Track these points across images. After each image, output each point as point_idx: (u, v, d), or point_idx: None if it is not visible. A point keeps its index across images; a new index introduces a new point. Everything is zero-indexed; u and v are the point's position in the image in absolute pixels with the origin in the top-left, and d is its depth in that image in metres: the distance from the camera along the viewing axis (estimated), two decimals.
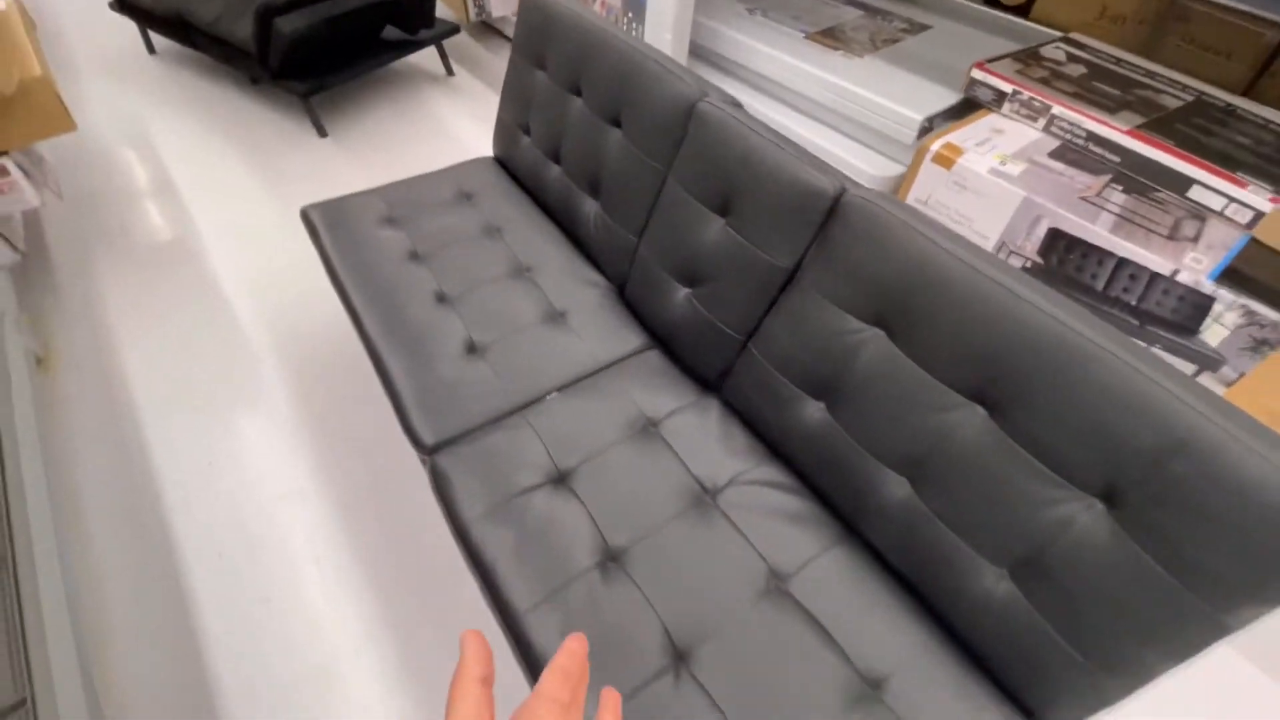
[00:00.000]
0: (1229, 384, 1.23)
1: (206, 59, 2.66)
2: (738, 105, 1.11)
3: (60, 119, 1.55)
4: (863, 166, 1.71)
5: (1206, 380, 1.25)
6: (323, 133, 2.35)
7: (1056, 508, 0.73)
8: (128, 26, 2.72)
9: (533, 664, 0.82)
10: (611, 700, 0.36)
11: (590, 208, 1.36)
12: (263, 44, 2.05)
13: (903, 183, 1.59)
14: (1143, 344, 0.75)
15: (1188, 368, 1.27)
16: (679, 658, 0.82)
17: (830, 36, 1.95)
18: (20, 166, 1.52)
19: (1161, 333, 1.27)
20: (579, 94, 1.33)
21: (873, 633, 0.84)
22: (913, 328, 0.84)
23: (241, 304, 1.75)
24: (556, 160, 1.44)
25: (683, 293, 1.16)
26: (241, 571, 1.25)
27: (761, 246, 1.01)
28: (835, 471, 0.95)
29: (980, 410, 0.79)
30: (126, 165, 2.21)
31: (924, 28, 2.02)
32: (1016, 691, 0.80)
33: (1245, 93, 1.66)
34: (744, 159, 1.01)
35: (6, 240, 1.61)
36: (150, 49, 2.77)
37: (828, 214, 0.93)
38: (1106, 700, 0.73)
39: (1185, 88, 1.57)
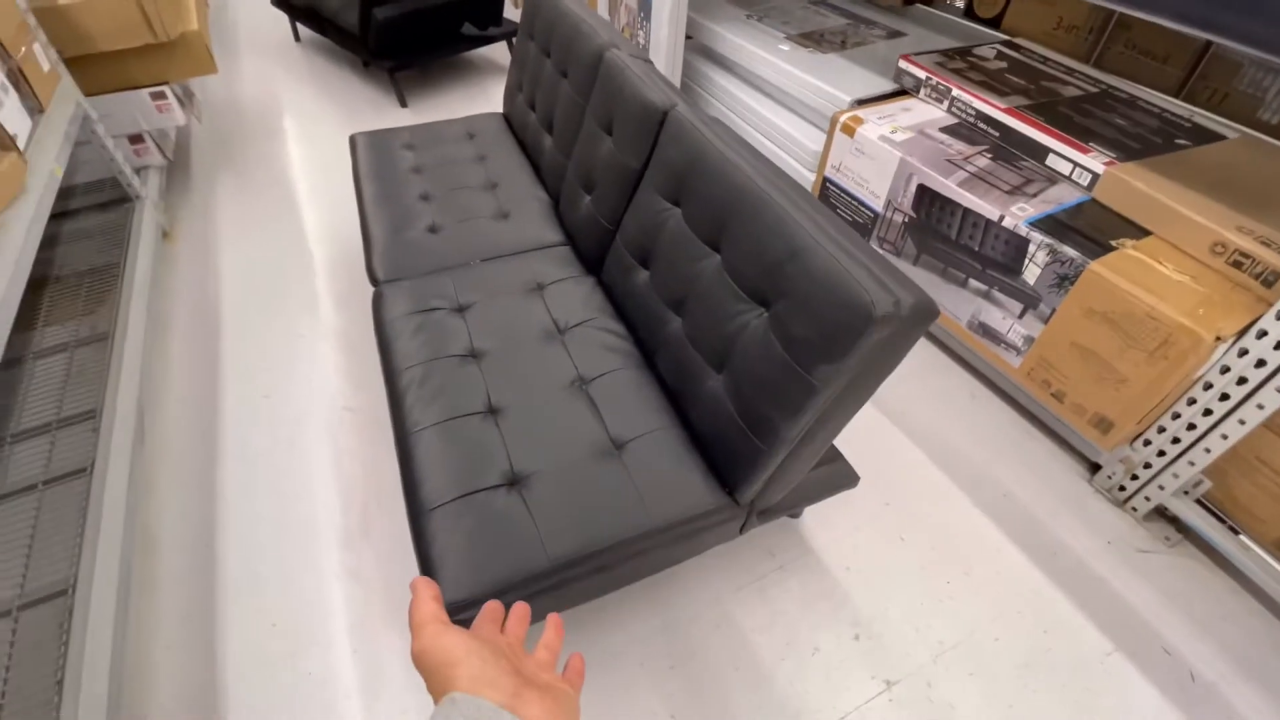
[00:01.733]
0: (1045, 319, 1.39)
1: (335, 47, 3.36)
2: (641, 58, 1.46)
3: (207, 63, 2.16)
4: (805, 141, 1.98)
5: (1030, 318, 1.42)
6: (404, 103, 2.93)
7: (742, 317, 1.00)
8: (283, 19, 3.49)
9: (395, 403, 1.19)
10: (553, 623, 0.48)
11: (547, 142, 1.74)
12: (364, 27, 2.64)
13: (822, 151, 1.85)
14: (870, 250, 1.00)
15: (1016, 306, 1.44)
16: (492, 410, 1.16)
17: (809, 38, 2.24)
18: (175, 95, 2.14)
19: (996, 275, 1.45)
20: (549, 55, 1.73)
21: (630, 417, 1.14)
22: (690, 202, 1.15)
23: (312, 225, 2.28)
24: (533, 109, 1.84)
25: (586, 199, 1.51)
26: (276, 411, 1.72)
27: (625, 153, 1.34)
28: (645, 318, 1.26)
29: (716, 256, 1.08)
30: (257, 114, 2.89)
31: (900, 34, 2.26)
32: (718, 465, 1.07)
33: (1179, 94, 1.78)
34: (620, 88, 1.36)
35: (160, 148, 2.24)
36: (296, 38, 3.53)
37: (660, 124, 1.26)
38: (759, 462, 0.98)
39: (1099, 84, 1.72)
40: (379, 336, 1.33)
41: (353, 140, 1.94)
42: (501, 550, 0.97)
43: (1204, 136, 1.50)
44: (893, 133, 1.64)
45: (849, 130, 1.71)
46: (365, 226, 1.62)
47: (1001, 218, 1.39)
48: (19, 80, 1.58)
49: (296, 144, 2.69)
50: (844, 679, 1.18)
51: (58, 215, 2.02)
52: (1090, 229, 1.34)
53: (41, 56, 1.70)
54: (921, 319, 0.83)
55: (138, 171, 2.16)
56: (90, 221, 2.02)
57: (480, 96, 3.05)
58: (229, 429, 1.60)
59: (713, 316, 1.07)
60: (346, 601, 1.28)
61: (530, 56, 1.85)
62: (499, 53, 3.33)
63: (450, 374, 1.21)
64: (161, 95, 2.11)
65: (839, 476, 1.25)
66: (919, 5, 2.42)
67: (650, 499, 1.02)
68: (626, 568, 1.04)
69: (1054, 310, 1.36)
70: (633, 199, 1.35)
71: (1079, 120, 1.54)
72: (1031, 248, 1.35)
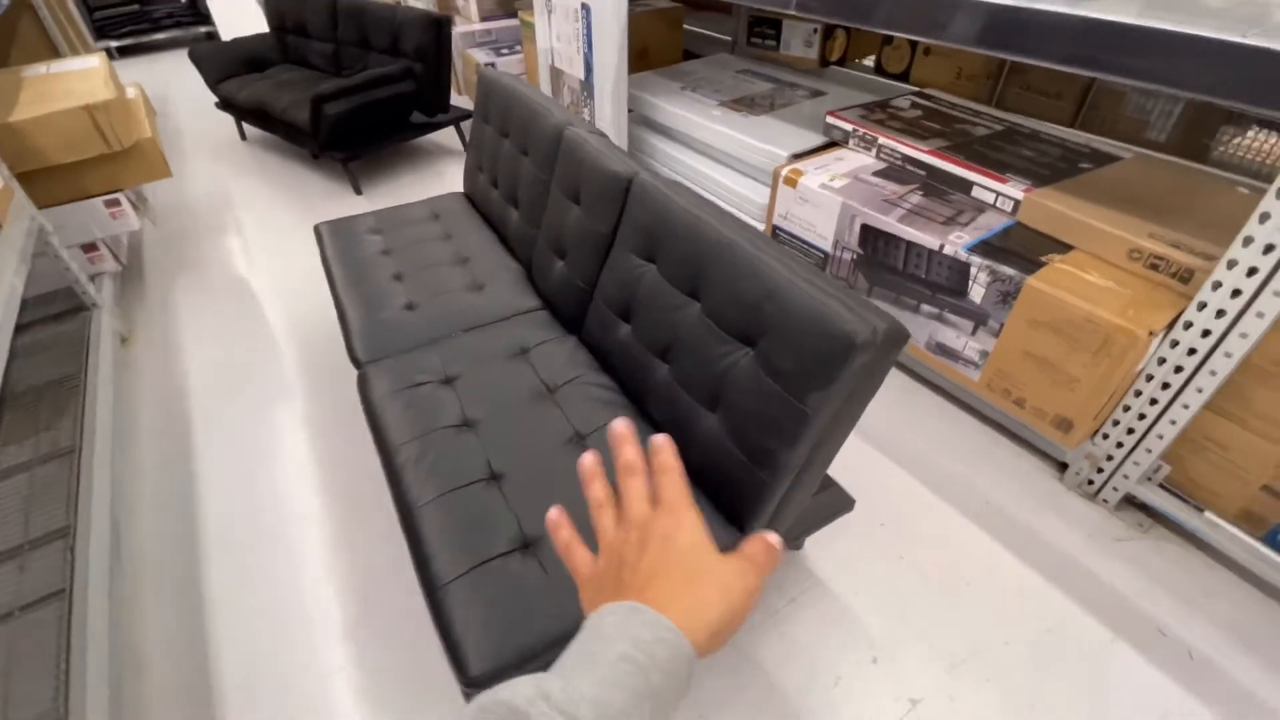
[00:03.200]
0: (996, 334, 1.50)
1: (282, 143, 3.44)
2: (597, 131, 1.57)
3: (161, 168, 2.18)
4: (750, 195, 2.12)
5: (983, 334, 1.54)
6: (358, 191, 3.00)
7: (729, 357, 1.06)
8: (227, 120, 3.55)
9: (394, 480, 1.18)
10: (663, 449, 0.42)
11: (513, 215, 1.82)
12: (315, 123, 2.72)
13: (768, 203, 1.99)
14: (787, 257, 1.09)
15: (967, 325, 1.55)
16: (494, 476, 1.17)
17: (739, 103, 2.43)
18: (130, 200, 2.15)
19: (945, 298, 1.57)
20: (507, 136, 1.84)
21: None
22: (664, 257, 1.22)
23: (272, 310, 2.28)
24: (495, 186, 1.93)
25: (559, 264, 1.58)
26: (257, 507, 1.67)
27: (594, 220, 1.42)
28: (632, 369, 1.31)
29: (696, 304, 1.15)
30: (210, 213, 2.89)
31: (822, 94, 2.48)
32: (724, 501, 1.10)
33: (1073, 124, 2.01)
34: (581, 162, 1.45)
35: (114, 254, 2.22)
36: (243, 136, 3.59)
37: (626, 191, 1.35)
38: (764, 493, 1.02)
39: (1003, 122, 1.93)
40: (369, 417, 1.33)
41: (317, 230, 1.97)
42: (524, 617, 0.96)
43: (1103, 159, 1.69)
44: (831, 180, 1.79)
45: (791, 182, 1.85)
46: (341, 311, 1.63)
47: (942, 246, 1.53)
48: None
49: (253, 239, 2.70)
50: (870, 704, 1.19)
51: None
52: (1020, 249, 1.48)
53: None
54: (895, 342, 0.91)
55: (92, 279, 2.13)
56: (45, 334, 1.96)
57: (433, 179, 3.15)
58: (210, 532, 1.54)
59: (699, 359, 1.12)
60: (355, 695, 1.22)
61: (487, 138, 1.95)
62: (447, 137, 3.46)
63: (446, 445, 1.22)
64: (115, 202, 2.11)
65: (836, 502, 1.29)
66: (834, 67, 2.67)
67: None
68: None
69: (1002, 324, 1.48)
70: (607, 260, 1.42)
71: (992, 155, 1.72)
72: (973, 270, 1.48)
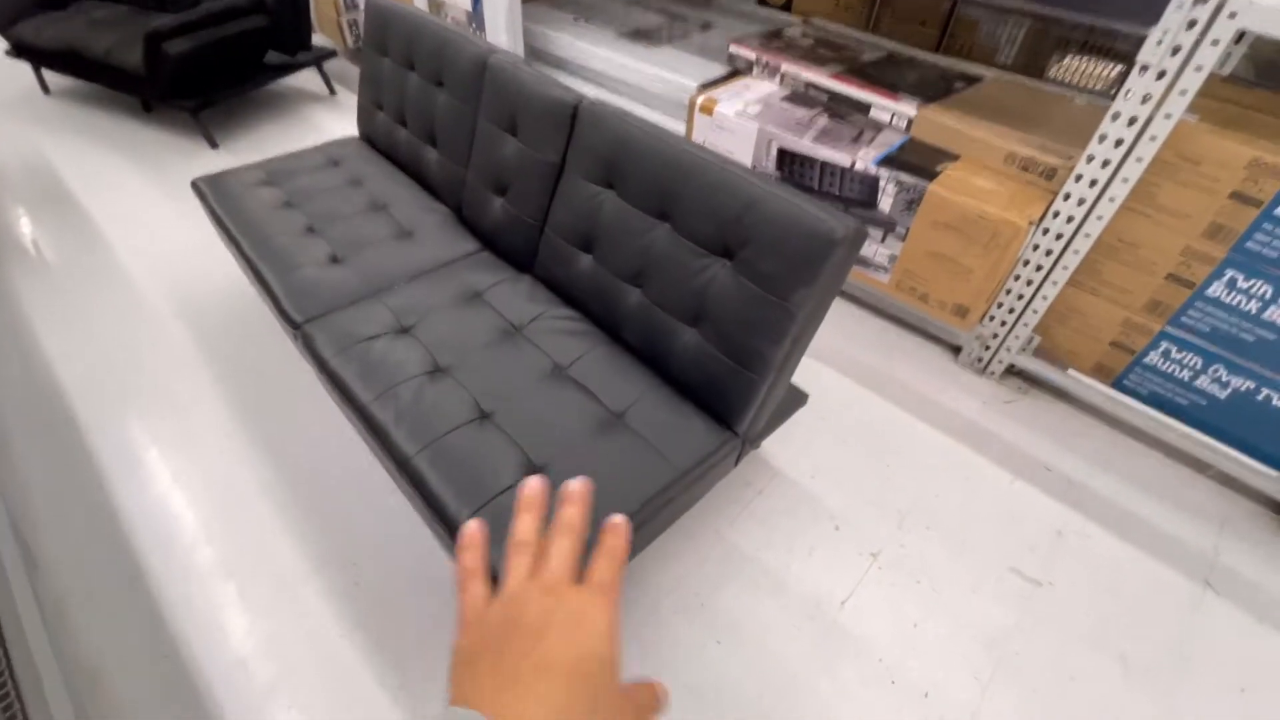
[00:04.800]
0: (902, 239, 1.70)
1: (103, 93, 2.91)
2: (517, 58, 1.52)
3: None
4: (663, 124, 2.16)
5: (891, 240, 1.73)
6: (214, 144, 2.64)
7: (706, 271, 1.13)
8: (21, 71, 2.93)
9: (377, 434, 1.14)
10: (613, 531, 0.38)
11: (431, 155, 1.73)
12: (152, 67, 2.33)
13: (685, 133, 2.05)
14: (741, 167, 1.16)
15: (878, 233, 1.74)
16: (484, 415, 1.16)
17: (637, 35, 2.43)
18: None
19: (857, 211, 1.75)
20: (413, 69, 1.71)
21: (618, 387, 1.22)
22: (624, 181, 1.25)
23: (146, 286, 1.99)
24: (404, 124, 1.80)
25: (498, 201, 1.54)
26: (196, 489, 1.50)
27: (539, 150, 1.40)
28: (599, 298, 1.34)
29: (665, 225, 1.19)
30: (29, 183, 2.42)
31: (712, 26, 2.54)
32: (710, 404, 1.19)
33: (936, 49, 2.23)
34: (519, 91, 1.41)
35: None
36: (45, 89, 2.98)
37: (573, 118, 1.34)
38: (753, 392, 1.12)
39: (883, 48, 2.11)
40: (327, 378, 1.26)
41: (196, 186, 1.74)
42: None
43: (970, 80, 1.92)
44: (745, 108, 1.87)
45: (707, 110, 1.91)
46: (256, 271, 1.49)
47: (854, 163, 1.68)
48: None
49: (95, 207, 2.31)
50: (840, 563, 1.37)
51: None
52: (918, 160, 1.67)
53: None
54: (860, 238, 1.02)
55: None
56: None
57: (301, 127, 2.84)
58: (140, 528, 1.39)
59: (675, 278, 1.18)
60: (357, 651, 1.20)
61: (386, 73, 1.81)
62: (308, 80, 3.11)
63: (424, 393, 1.19)
64: None
65: (793, 399, 1.43)
66: None
67: (667, 450, 1.12)
68: (658, 521, 1.12)
69: (908, 229, 1.67)
70: (556, 191, 1.41)
71: (883, 78, 1.89)
72: (882, 182, 1.65)
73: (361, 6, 3.06)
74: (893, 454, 1.60)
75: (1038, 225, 1.52)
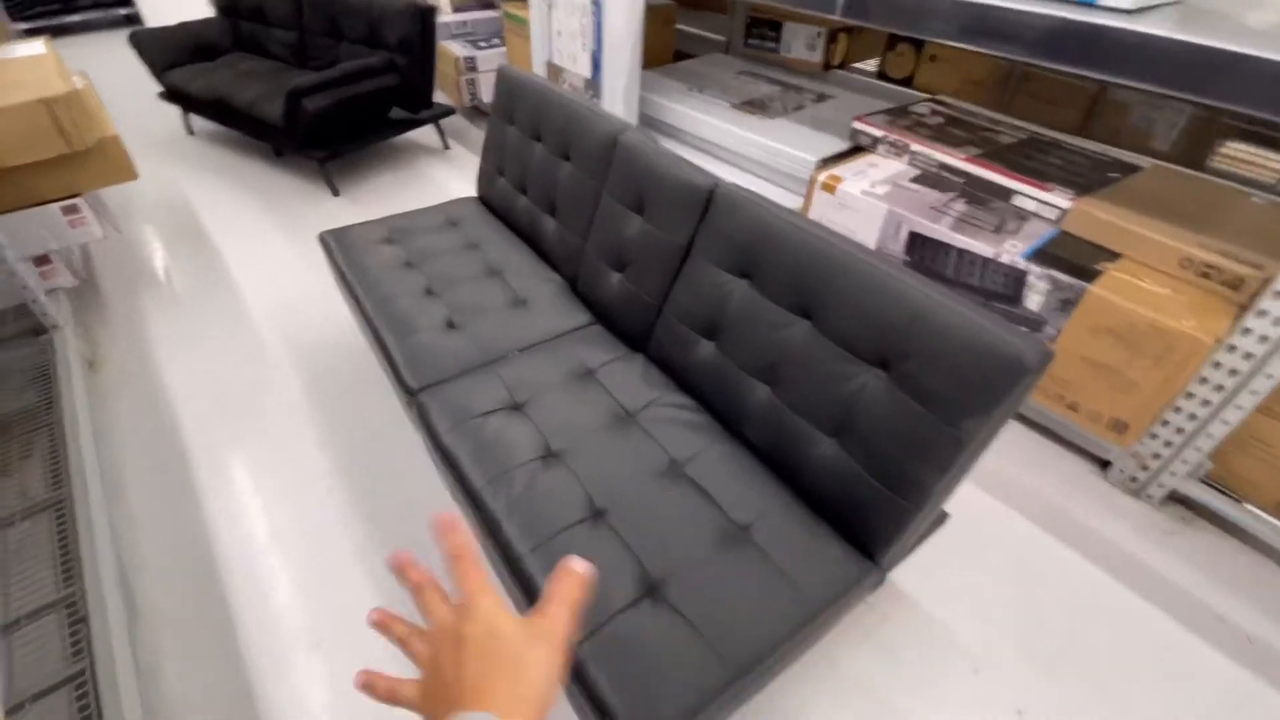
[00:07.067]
0: (1052, 339, 1.54)
1: (238, 138, 3.15)
2: (649, 134, 1.49)
3: (126, 169, 1.93)
4: (778, 199, 2.09)
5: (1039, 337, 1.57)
6: (335, 192, 2.77)
7: (854, 379, 1.03)
8: (170, 112, 3.22)
9: (489, 525, 1.08)
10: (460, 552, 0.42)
11: (549, 224, 1.72)
12: (291, 119, 2.49)
13: (802, 209, 1.97)
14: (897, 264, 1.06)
15: (1022, 330, 1.58)
16: (597, 513, 1.08)
17: (752, 105, 2.40)
18: (91, 207, 1.89)
19: (998, 305, 1.60)
20: (539, 140, 1.73)
21: (741, 494, 1.11)
22: (759, 273, 1.17)
23: (264, 324, 2.07)
24: (524, 192, 1.81)
25: (616, 277, 1.50)
26: (290, 542, 1.50)
27: (666, 231, 1.35)
28: (721, 390, 1.25)
29: (805, 322, 1.10)
30: (168, 217, 2.61)
31: (829, 97, 2.48)
32: (848, 527, 1.06)
33: (1078, 133, 2.09)
34: (650, 171, 1.38)
35: (70, 267, 1.95)
36: (189, 130, 3.26)
37: (706, 202, 1.28)
38: (904, 519, 0.99)
39: (1023, 130, 1.98)
40: (440, 454, 1.22)
41: (324, 240, 1.80)
42: (673, 671, 0.89)
43: (1126, 169, 1.76)
44: (873, 187, 1.78)
45: (829, 188, 1.83)
46: (375, 333, 1.49)
47: (998, 254, 1.55)
48: None
49: (224, 245, 2.45)
50: (980, 718, 1.19)
51: None
52: (1073, 257, 1.52)
53: None
54: (1048, 361, 0.89)
55: (47, 294, 1.87)
56: None
57: (416, 180, 2.96)
58: (236, 577, 1.37)
59: (814, 381, 1.08)
60: None
61: (511, 141, 1.83)
62: (424, 135, 3.26)
63: (536, 482, 1.12)
64: (74, 209, 1.86)
65: (936, 518, 1.29)
66: (835, 70, 2.68)
67: (800, 578, 1.00)
68: (789, 656, 1.00)
69: (1059, 331, 1.51)
70: (680, 273, 1.35)
71: (1026, 163, 1.76)
72: (1031, 278, 1.51)
73: (479, 69, 3.21)
74: (1036, 583, 1.41)
75: (1223, 342, 1.33)
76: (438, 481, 1.36)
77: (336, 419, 1.75)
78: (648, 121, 2.56)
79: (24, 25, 4.43)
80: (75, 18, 4.64)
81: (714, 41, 3.11)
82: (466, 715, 0.34)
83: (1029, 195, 1.65)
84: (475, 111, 3.52)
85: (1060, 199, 1.60)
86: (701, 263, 1.29)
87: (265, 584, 1.37)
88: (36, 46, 1.92)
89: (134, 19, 4.80)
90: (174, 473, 1.60)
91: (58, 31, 4.61)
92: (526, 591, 0.99)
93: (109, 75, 3.61)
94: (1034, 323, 1.55)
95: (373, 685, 0.40)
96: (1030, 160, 1.78)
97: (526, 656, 0.38)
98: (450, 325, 1.51)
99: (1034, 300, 1.53)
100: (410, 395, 1.34)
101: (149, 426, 1.72)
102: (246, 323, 2.08)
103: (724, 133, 2.26)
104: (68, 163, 1.78)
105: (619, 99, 2.34)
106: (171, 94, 2.99)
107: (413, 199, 2.80)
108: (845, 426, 1.04)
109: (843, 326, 1.04)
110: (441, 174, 3.00)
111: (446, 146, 3.20)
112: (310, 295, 2.17)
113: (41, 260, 1.88)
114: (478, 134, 3.38)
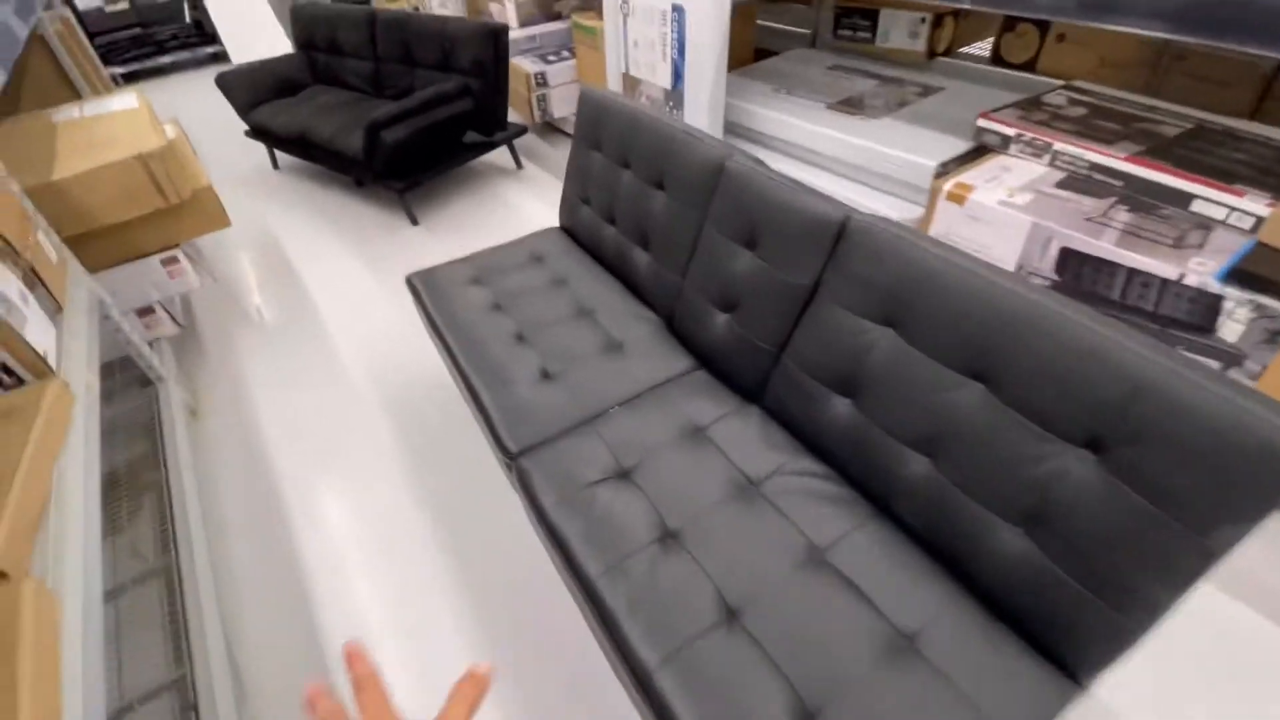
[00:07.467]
0: (1254, 377, 1.27)
1: (321, 170, 3.19)
2: (759, 162, 1.33)
3: (220, 218, 1.95)
4: (887, 211, 1.88)
5: (1234, 375, 1.31)
6: (414, 221, 2.75)
7: (1051, 461, 0.84)
8: (257, 148, 3.30)
9: (608, 624, 0.96)
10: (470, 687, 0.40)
11: (641, 257, 1.59)
12: (370, 152, 2.47)
13: (923, 221, 1.75)
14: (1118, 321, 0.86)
15: (1213, 365, 1.32)
16: (731, 614, 0.94)
17: (850, 105, 2.18)
18: (187, 255, 1.91)
19: (1181, 334, 1.34)
20: (628, 166, 1.60)
21: (904, 592, 0.94)
22: (914, 322, 0.99)
23: (352, 363, 2.05)
24: (612, 222, 1.69)
25: (722, 318, 1.35)
26: (350, 574, 1.45)
27: (784, 270, 1.19)
28: (864, 457, 1.08)
29: (979, 386, 0.92)
30: (258, 256, 2.66)
31: (936, 90, 2.23)
32: (1042, 639, 0.87)
33: (1251, 116, 1.76)
34: (764, 200, 1.22)
35: (171, 316, 1.98)
36: (275, 165, 3.34)
37: (836, 237, 1.11)
38: (1125, 639, 0.80)
39: (1185, 117, 1.69)
40: (546, 530, 1.11)
41: (411, 284, 1.74)
42: None
43: None
44: (1010, 196, 1.55)
45: (958, 198, 1.61)
46: (469, 383, 1.40)
47: (1182, 275, 1.29)
48: (34, 282, 1.33)
49: (309, 280, 2.47)
50: None
51: None
52: (1274, 276, 1.25)
53: (48, 246, 1.47)
54: None
55: (150, 344, 1.90)
56: (103, 416, 1.73)
57: (494, 203, 2.90)
58: (336, 645, 1.32)
59: (995, 458, 0.89)
60: None
61: (596, 167, 1.71)
62: (497, 156, 3.21)
63: (658, 572, 0.99)
64: (173, 260, 1.88)
65: None
66: (940, 58, 2.42)
67: (988, 706, 0.82)
68: None
69: (1264, 368, 1.25)
70: (801, 316, 1.19)
71: (1200, 159, 1.48)
72: (1228, 304, 1.25)
73: (550, 84, 3.12)
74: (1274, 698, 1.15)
75: None
76: (536, 544, 1.26)
77: (428, 467, 1.69)
78: (732, 129, 2.39)
79: (119, 69, 4.71)
80: (166, 59, 4.90)
81: (798, 35, 2.89)
82: None
83: (1215, 200, 1.38)
84: (548, 127, 3.44)
85: (1256, 204, 1.32)
86: (831, 307, 1.12)
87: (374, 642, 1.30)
88: (129, 100, 1.96)
89: (220, 57, 5.03)
90: (271, 526, 1.57)
91: (150, 74, 4.88)
92: (654, 708, 0.86)
93: (199, 116, 3.77)
94: (1229, 356, 1.29)
95: (315, 705, 0.38)
96: (1205, 155, 1.50)
97: None
98: (545, 375, 1.40)
99: (1231, 330, 1.27)
100: (510, 459, 1.24)
101: (246, 477, 1.71)
102: (336, 363, 2.06)
103: (820, 137, 2.06)
104: (164, 215, 1.79)
105: (703, 109, 2.18)
106: (256, 131, 3.06)
107: (488, 223, 2.75)
108: (1036, 516, 0.86)
109: (1033, 395, 0.85)
110: (516, 195, 2.94)
111: (520, 166, 3.13)
112: (395, 332, 2.13)
113: (144, 311, 1.92)
114: (550, 151, 3.30)
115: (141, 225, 1.77)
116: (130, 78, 4.83)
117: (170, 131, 2.04)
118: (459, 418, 1.75)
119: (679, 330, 1.49)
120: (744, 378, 1.32)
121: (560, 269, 1.73)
